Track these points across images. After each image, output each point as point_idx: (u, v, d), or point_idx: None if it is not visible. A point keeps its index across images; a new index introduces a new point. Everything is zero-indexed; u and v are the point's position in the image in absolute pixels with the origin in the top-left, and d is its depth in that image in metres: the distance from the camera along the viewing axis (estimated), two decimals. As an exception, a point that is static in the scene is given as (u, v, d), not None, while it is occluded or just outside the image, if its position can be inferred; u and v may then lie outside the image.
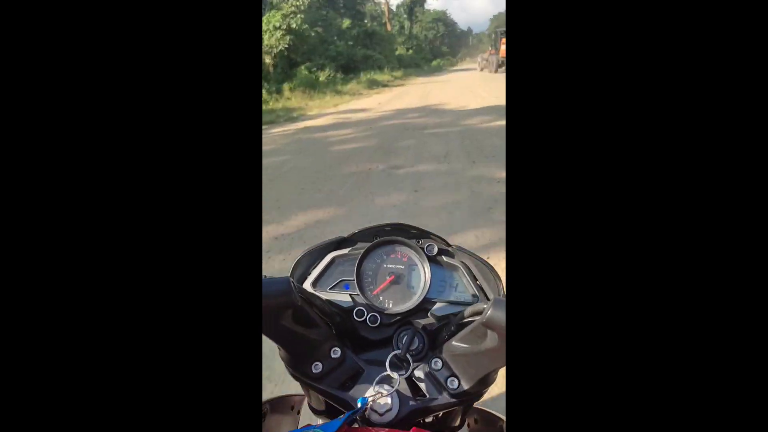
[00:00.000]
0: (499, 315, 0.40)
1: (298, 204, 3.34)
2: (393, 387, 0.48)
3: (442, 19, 57.82)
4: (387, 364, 0.50)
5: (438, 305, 0.59)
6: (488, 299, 0.57)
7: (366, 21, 34.10)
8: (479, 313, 0.45)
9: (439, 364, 0.49)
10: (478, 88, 13.30)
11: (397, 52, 32.92)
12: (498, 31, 24.64)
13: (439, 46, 55.62)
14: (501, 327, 0.40)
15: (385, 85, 16.41)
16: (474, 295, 0.59)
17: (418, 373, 0.51)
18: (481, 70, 27.35)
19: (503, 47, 22.11)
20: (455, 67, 42.23)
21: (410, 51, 35.63)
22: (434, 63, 38.85)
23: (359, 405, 0.45)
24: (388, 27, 36.10)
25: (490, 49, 27.13)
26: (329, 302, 0.58)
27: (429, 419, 0.54)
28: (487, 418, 0.67)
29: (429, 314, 0.59)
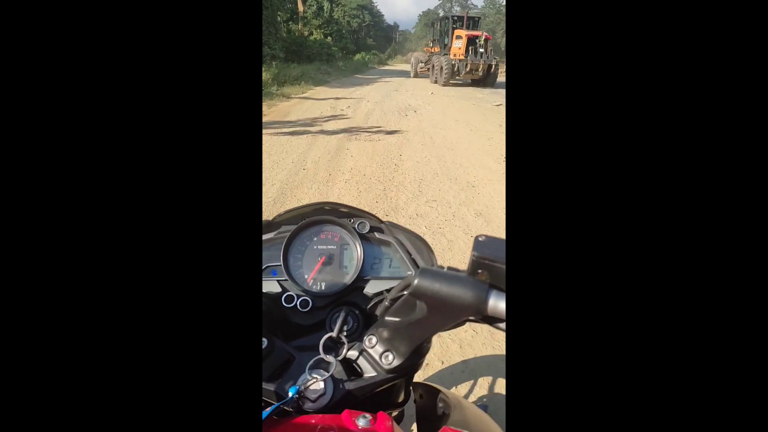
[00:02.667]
0: (425, 283, 0.40)
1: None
2: (328, 371, 0.47)
3: (368, 7, 50.49)
4: (321, 347, 0.49)
5: (372, 283, 0.58)
6: None
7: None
8: (410, 286, 0.44)
9: (374, 340, 0.49)
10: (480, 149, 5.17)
11: (312, 37, 24.83)
12: (450, 17, 16.28)
13: (364, 38, 48.42)
14: (426, 295, 0.40)
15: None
16: (408, 270, 0.59)
17: (353, 354, 0.50)
18: (414, 75, 19.24)
19: (457, 44, 14.45)
20: (386, 66, 33.29)
21: (329, 38, 27.64)
22: (357, 57, 30.27)
23: (290, 395, 0.44)
24: (301, 7, 27.48)
25: (431, 45, 18.91)
26: None
27: (368, 399, 0.50)
28: (430, 391, 0.63)
29: (363, 293, 0.58)
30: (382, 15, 60.90)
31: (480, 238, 0.39)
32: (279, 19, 24.16)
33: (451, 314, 0.41)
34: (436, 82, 15.48)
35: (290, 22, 25.46)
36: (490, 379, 1.58)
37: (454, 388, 1.55)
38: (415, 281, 0.41)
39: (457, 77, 14.63)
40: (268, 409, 0.40)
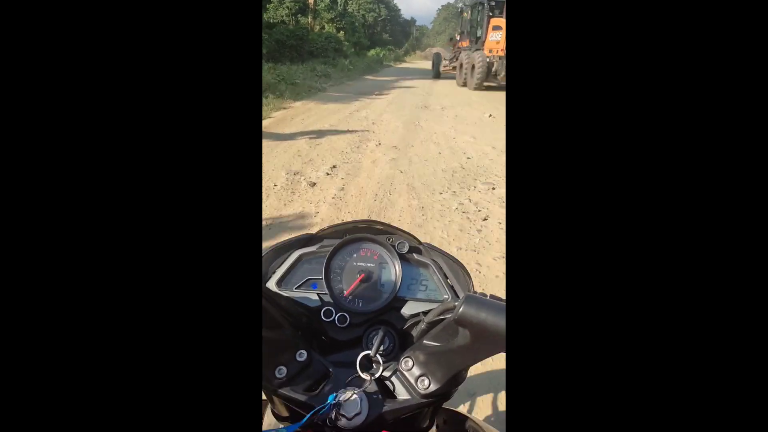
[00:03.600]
0: (470, 311, 0.40)
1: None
2: (365, 390, 0.47)
3: (384, 1, 47.40)
4: (357, 365, 0.50)
5: (408, 304, 0.58)
6: (458, 297, 0.56)
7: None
8: (450, 310, 0.45)
9: (410, 363, 0.49)
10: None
11: (325, 30, 22.07)
12: (485, 3, 12.32)
13: (380, 33, 45.33)
14: (471, 323, 0.40)
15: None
16: (445, 293, 0.59)
17: (388, 374, 0.50)
18: (436, 76, 16.02)
19: (495, 36, 11.17)
20: (403, 64, 29.45)
21: (342, 32, 24.61)
22: (372, 53, 27.17)
23: (328, 401, 0.44)
24: (311, -1, 24.69)
25: (457, 39, 15.41)
26: (295, 302, 0.57)
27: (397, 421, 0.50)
28: (454, 418, 0.63)
29: (400, 313, 0.58)
30: (399, 9, 57.75)
31: None
32: (284, 11, 21.33)
33: (494, 344, 0.40)
34: (465, 84, 12.33)
35: (299, 15, 22.65)
36: (490, 396, 1.53)
37: (462, 405, 1.41)
38: (461, 309, 0.40)
39: (495, 79, 11.55)
40: (306, 415, 0.41)
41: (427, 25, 76.43)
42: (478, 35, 12.95)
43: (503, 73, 10.91)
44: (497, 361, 1.62)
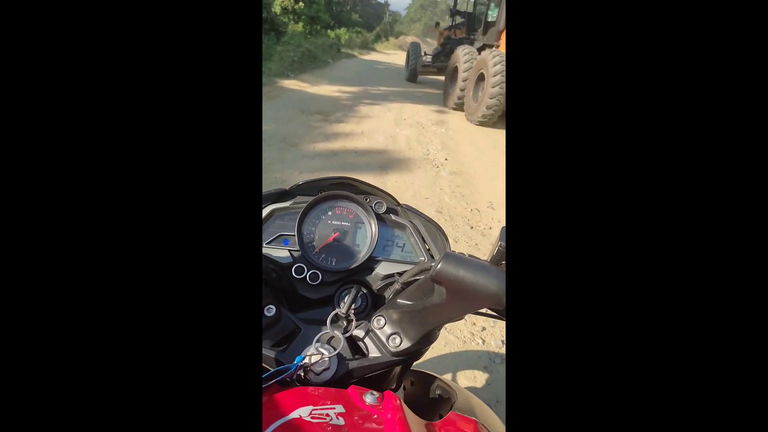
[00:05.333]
0: (448, 268, 0.40)
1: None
2: (335, 347, 0.47)
3: (356, -24, 41.04)
4: (328, 322, 0.50)
5: (383, 264, 0.58)
6: (435, 259, 0.53)
7: None
8: (426, 270, 0.44)
9: (382, 321, 0.49)
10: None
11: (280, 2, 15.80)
12: None
13: (349, 12, 38.96)
14: (449, 281, 0.40)
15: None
16: (421, 256, 0.59)
17: (359, 332, 0.50)
18: (410, 78, 10.87)
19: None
20: (370, 54, 21.78)
21: (300, 3, 18.28)
22: (332, 33, 20.58)
23: (295, 362, 0.44)
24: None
25: (447, 24, 10.42)
26: (265, 257, 0.55)
27: (362, 381, 0.50)
28: (422, 378, 0.64)
29: (374, 273, 0.58)
30: (373, -12, 51.42)
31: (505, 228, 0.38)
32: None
33: (470, 302, 0.41)
34: (458, 106, 7.20)
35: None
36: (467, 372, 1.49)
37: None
38: (439, 265, 0.40)
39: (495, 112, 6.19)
40: (268, 374, 0.41)
41: (400, 12, 70.62)
42: (490, 20, 7.79)
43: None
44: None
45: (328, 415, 0.37)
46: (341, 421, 0.37)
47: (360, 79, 10.22)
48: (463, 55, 7.10)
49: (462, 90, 6.97)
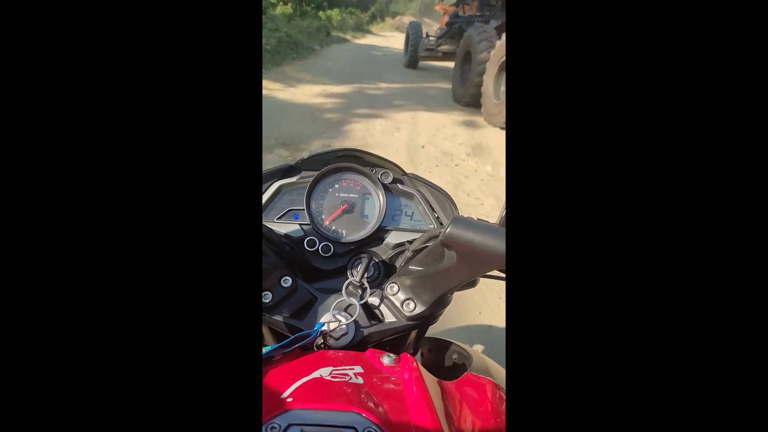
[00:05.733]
0: (457, 231, 0.41)
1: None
2: (351, 314, 0.48)
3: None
4: (343, 290, 0.51)
5: (393, 234, 0.59)
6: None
7: None
8: (436, 237, 0.45)
9: (396, 288, 0.50)
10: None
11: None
12: None
13: (343, -9, 36.23)
14: (458, 244, 0.41)
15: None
16: (430, 223, 0.60)
17: (374, 300, 0.51)
18: (410, 64, 9.26)
19: None
20: (364, 38, 19.66)
21: None
22: (323, 15, 18.08)
23: (315, 329, 0.45)
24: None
25: (456, 1, 8.23)
26: (278, 232, 0.56)
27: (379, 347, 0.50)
28: (439, 344, 0.64)
29: (384, 243, 0.59)
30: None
31: None
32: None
33: (480, 264, 0.42)
34: (470, 101, 5.65)
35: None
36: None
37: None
38: (448, 229, 0.41)
39: None
40: (289, 339, 0.42)
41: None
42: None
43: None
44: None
45: (347, 374, 0.39)
46: (360, 380, 0.38)
47: (353, 72, 8.04)
48: (478, 37, 5.48)
49: (478, 84, 5.40)
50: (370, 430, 0.32)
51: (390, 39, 19.49)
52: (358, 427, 0.32)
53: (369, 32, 24.13)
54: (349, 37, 18.16)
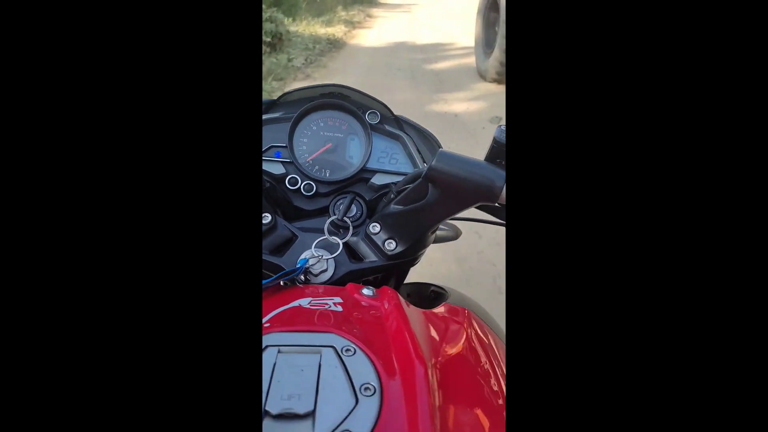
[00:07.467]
0: (442, 165, 0.41)
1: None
2: (332, 252, 0.48)
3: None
4: (325, 229, 0.50)
5: (377, 176, 0.58)
6: None
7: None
8: (420, 176, 0.45)
9: (377, 227, 0.50)
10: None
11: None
12: None
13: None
14: (442, 179, 0.41)
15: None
16: (415, 166, 0.59)
17: (355, 239, 0.51)
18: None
19: None
20: (361, 37, 7.59)
21: None
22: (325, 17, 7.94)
23: (298, 266, 0.46)
24: None
25: None
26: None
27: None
28: (419, 288, 0.64)
29: (368, 184, 0.58)
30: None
31: (501, 127, 0.39)
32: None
33: (464, 199, 0.42)
34: (497, 79, 4.05)
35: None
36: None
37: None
38: (434, 162, 0.41)
39: None
40: (274, 276, 0.42)
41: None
42: None
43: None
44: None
45: (326, 304, 0.40)
46: (339, 309, 0.39)
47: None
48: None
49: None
50: (349, 348, 0.32)
51: (418, 10, 11.50)
52: (336, 345, 0.33)
53: (378, 4, 13.57)
54: (340, 34, 7.59)
